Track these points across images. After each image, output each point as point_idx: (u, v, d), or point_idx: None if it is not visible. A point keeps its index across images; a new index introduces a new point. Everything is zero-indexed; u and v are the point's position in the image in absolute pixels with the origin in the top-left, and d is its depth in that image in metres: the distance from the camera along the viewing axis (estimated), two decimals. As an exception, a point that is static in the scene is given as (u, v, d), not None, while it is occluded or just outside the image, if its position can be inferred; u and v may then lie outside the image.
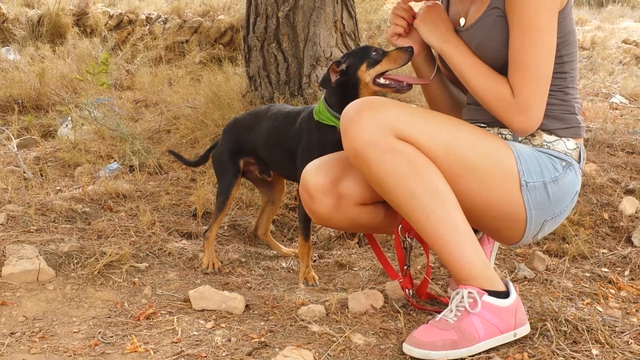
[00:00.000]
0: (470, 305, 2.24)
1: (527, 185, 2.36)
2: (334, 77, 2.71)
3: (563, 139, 2.47)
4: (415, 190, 2.27)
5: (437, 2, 2.64)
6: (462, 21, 2.57)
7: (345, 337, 2.31)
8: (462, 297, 2.27)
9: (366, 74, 2.70)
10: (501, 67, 2.43)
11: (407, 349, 2.20)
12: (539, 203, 2.39)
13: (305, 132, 2.85)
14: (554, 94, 2.43)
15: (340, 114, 2.45)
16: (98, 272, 2.83)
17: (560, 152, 2.45)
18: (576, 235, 3.30)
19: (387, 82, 2.70)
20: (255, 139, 3.08)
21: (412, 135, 2.28)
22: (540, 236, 2.55)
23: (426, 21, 2.57)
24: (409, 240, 2.61)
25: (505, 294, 2.29)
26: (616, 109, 6.37)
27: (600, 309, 2.64)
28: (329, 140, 2.74)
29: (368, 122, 2.27)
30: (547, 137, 2.46)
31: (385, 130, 2.26)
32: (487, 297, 2.26)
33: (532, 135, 2.46)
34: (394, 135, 2.27)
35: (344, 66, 2.71)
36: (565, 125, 2.48)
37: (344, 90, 2.72)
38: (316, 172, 2.56)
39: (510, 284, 2.33)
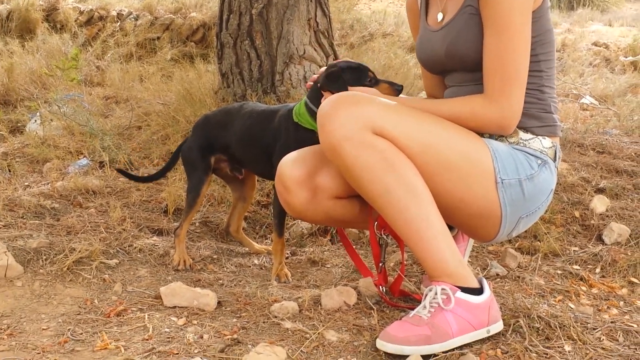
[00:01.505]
0: (444, 302, 2.24)
1: (502, 182, 2.37)
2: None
3: (539, 137, 2.48)
4: (390, 185, 2.26)
5: None
6: (439, 16, 2.58)
7: (318, 333, 2.29)
8: (436, 294, 2.27)
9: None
10: (473, 64, 2.45)
11: (380, 344, 2.19)
12: (514, 200, 2.40)
13: (283, 132, 2.83)
14: (530, 92, 2.44)
15: None
16: (67, 269, 2.79)
17: (536, 150, 2.46)
18: (548, 233, 3.32)
19: None
20: (228, 136, 3.06)
21: (388, 131, 2.27)
22: (515, 234, 2.56)
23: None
24: (385, 237, 2.60)
25: (478, 291, 2.30)
26: (586, 109, 6.44)
27: (572, 306, 2.65)
28: (307, 142, 2.71)
29: (345, 117, 2.27)
30: (523, 134, 2.47)
31: (361, 125, 2.26)
32: (460, 294, 2.26)
33: None
34: (371, 130, 2.26)
35: (343, 76, 2.64)
36: (541, 123, 2.49)
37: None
38: (292, 164, 2.56)
39: (484, 281, 2.33)
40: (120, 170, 3.54)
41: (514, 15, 2.32)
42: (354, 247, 2.91)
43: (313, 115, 2.70)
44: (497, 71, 2.35)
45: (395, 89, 2.67)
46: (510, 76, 2.35)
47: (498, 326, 2.31)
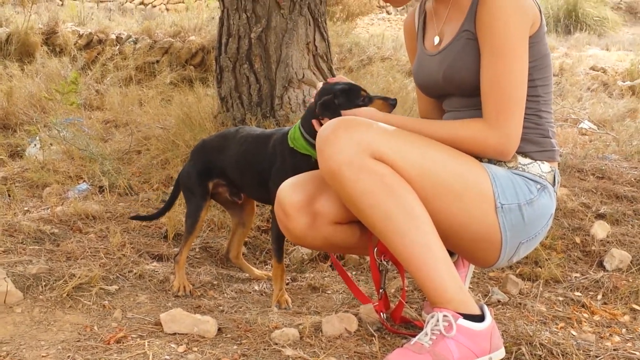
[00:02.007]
0: (446, 329, 2.22)
1: (502, 207, 2.37)
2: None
3: (538, 161, 2.49)
4: (390, 211, 2.26)
5: None
6: (436, 39, 2.60)
7: (319, 361, 2.28)
8: (437, 321, 2.25)
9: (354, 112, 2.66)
10: (471, 89, 2.45)
11: (382, 373, 2.18)
12: (514, 225, 2.40)
13: (279, 156, 2.83)
14: (528, 117, 2.45)
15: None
16: (67, 295, 2.77)
17: (535, 175, 2.46)
18: (549, 259, 3.31)
19: None
20: (225, 161, 3.06)
21: (387, 155, 2.27)
22: (516, 259, 2.55)
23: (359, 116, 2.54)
24: (385, 263, 2.59)
25: (480, 318, 2.28)
26: (585, 134, 6.45)
27: (574, 333, 2.64)
28: (303, 167, 2.71)
29: (344, 142, 2.27)
30: (522, 159, 2.47)
31: (360, 150, 2.26)
32: (462, 321, 2.24)
33: None
34: (370, 155, 2.26)
35: (336, 101, 2.64)
36: (540, 148, 2.50)
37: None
38: (292, 190, 2.55)
39: (486, 308, 2.32)
40: (134, 217, 3.57)
41: (511, 41, 2.33)
42: (349, 274, 2.89)
43: (307, 140, 2.70)
44: (495, 97, 2.36)
45: (390, 104, 2.66)
46: (509, 102, 2.35)
47: (500, 353, 2.29)
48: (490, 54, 2.36)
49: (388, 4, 2.48)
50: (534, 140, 2.50)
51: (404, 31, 2.92)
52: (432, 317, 2.27)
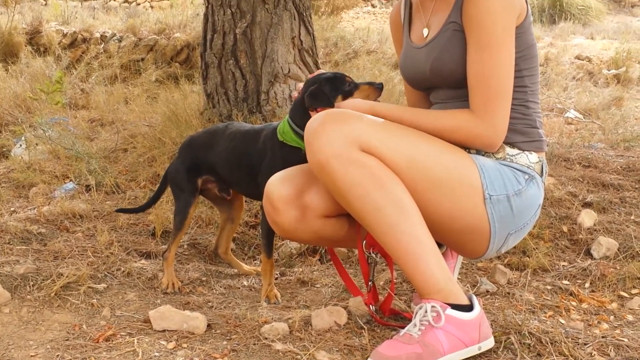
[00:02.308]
0: (434, 319, 2.23)
1: (490, 198, 2.37)
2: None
3: (526, 152, 2.49)
4: (379, 203, 2.26)
5: None
6: (425, 31, 2.59)
7: (309, 354, 2.28)
8: (426, 312, 2.26)
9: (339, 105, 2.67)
10: (458, 81, 2.46)
11: (372, 364, 2.18)
12: (502, 216, 2.40)
13: (269, 151, 2.82)
14: (515, 107, 2.45)
15: None
16: (55, 294, 2.76)
17: (523, 166, 2.47)
18: (536, 248, 3.32)
19: None
20: (214, 157, 3.05)
21: (376, 148, 2.28)
22: (504, 250, 2.56)
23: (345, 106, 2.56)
24: (374, 255, 2.59)
25: (468, 308, 2.29)
26: (571, 123, 6.48)
27: (563, 321, 2.65)
28: (293, 160, 2.71)
29: (332, 134, 2.27)
30: (510, 150, 2.48)
31: (349, 142, 2.26)
32: (450, 311, 2.25)
33: None
34: (359, 147, 2.26)
35: (324, 90, 2.63)
36: (527, 138, 2.50)
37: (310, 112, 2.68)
38: (280, 183, 2.55)
39: (474, 298, 2.33)
40: (119, 210, 3.56)
41: (497, 32, 2.33)
42: (343, 265, 2.89)
43: (297, 132, 2.70)
44: (482, 88, 2.36)
45: (377, 88, 2.66)
46: (496, 93, 2.36)
47: (489, 343, 2.30)
48: (477, 46, 2.36)
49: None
50: (522, 131, 2.51)
51: (390, 24, 2.92)
52: (421, 308, 2.28)
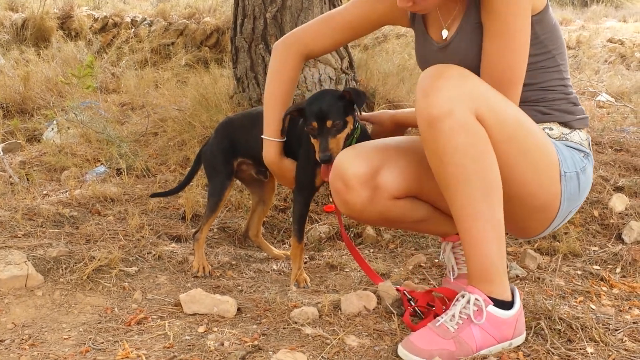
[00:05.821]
0: (475, 315, 2.20)
1: (565, 175, 2.36)
2: None
3: (577, 130, 2.47)
4: (471, 176, 2.18)
5: None
6: (444, 33, 2.51)
7: (339, 339, 2.28)
8: (468, 302, 2.22)
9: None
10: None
11: (402, 353, 2.16)
12: (571, 194, 2.40)
13: (304, 140, 2.79)
14: (555, 87, 2.43)
15: None
16: (87, 277, 2.79)
17: (577, 144, 2.45)
18: (567, 233, 3.30)
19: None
20: (251, 140, 2.99)
21: (486, 116, 2.20)
22: (556, 228, 2.55)
23: None
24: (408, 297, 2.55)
25: (509, 305, 2.26)
26: (602, 107, 6.41)
27: (594, 307, 2.63)
28: None
29: (454, 91, 2.17)
30: (563, 129, 2.45)
31: (467, 102, 2.17)
32: (492, 308, 2.21)
33: (550, 128, 2.46)
34: (473, 111, 2.17)
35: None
36: (575, 117, 2.49)
37: None
38: (355, 160, 2.46)
39: (517, 292, 2.30)
40: (154, 195, 3.59)
41: (515, 21, 2.27)
42: (361, 254, 2.86)
43: None
44: (495, 73, 2.32)
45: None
46: (509, 79, 2.32)
47: (520, 339, 2.26)
48: (494, 35, 2.31)
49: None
50: (568, 110, 2.48)
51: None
52: (463, 296, 2.25)
